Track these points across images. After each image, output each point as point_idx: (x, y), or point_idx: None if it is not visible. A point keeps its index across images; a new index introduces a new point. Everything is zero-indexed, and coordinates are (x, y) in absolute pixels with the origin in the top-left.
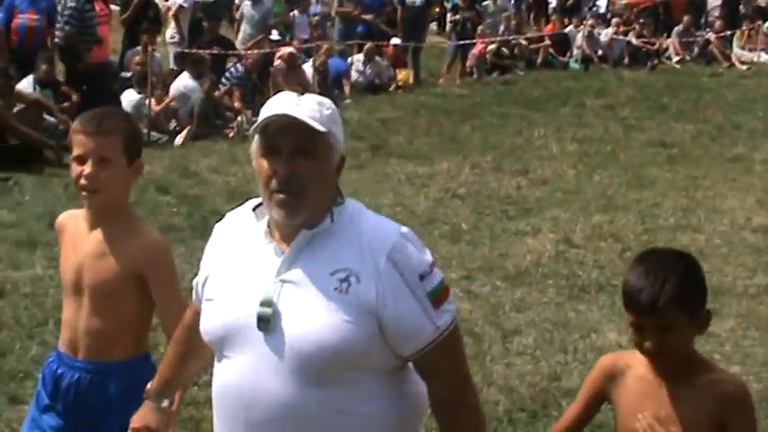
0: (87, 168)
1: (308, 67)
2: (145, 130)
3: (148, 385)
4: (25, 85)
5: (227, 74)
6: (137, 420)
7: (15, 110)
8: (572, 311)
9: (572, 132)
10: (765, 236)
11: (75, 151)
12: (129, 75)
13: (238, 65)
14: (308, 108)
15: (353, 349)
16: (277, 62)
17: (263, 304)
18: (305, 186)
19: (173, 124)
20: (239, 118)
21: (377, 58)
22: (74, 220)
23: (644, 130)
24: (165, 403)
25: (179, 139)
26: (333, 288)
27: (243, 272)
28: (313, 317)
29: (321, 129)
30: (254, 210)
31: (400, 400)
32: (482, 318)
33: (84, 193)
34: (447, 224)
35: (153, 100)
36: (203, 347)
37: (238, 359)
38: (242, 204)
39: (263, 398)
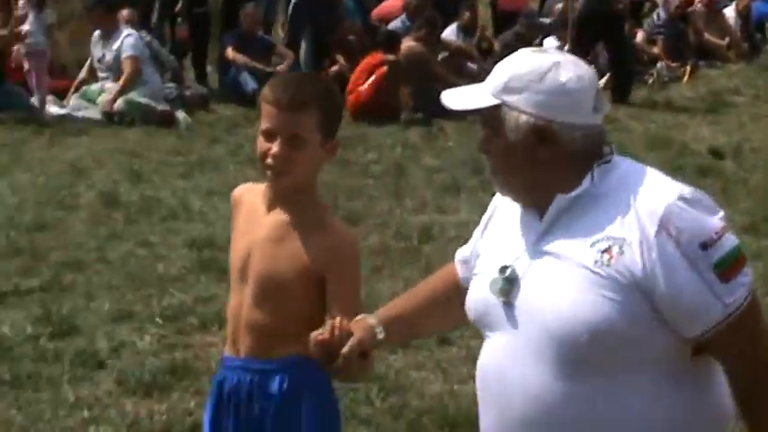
0: (276, 147)
1: (729, 11)
2: None
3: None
4: (449, 33)
5: (650, 21)
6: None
7: (440, 58)
8: None
9: None
10: None
11: (264, 124)
12: (548, 21)
13: (660, 10)
14: (488, 82)
15: (618, 331)
16: (697, 6)
17: (500, 272)
18: (493, 166)
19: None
20: (658, 65)
21: None
22: (251, 196)
23: None
24: (380, 332)
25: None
26: (593, 260)
27: (501, 242)
28: (567, 292)
29: (486, 102)
30: None
31: (689, 402)
32: None
33: (269, 174)
34: None
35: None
36: (454, 311)
37: (491, 340)
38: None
39: (514, 383)
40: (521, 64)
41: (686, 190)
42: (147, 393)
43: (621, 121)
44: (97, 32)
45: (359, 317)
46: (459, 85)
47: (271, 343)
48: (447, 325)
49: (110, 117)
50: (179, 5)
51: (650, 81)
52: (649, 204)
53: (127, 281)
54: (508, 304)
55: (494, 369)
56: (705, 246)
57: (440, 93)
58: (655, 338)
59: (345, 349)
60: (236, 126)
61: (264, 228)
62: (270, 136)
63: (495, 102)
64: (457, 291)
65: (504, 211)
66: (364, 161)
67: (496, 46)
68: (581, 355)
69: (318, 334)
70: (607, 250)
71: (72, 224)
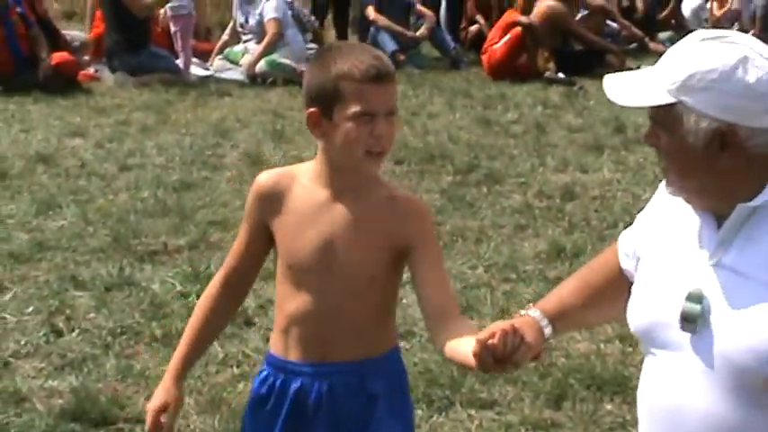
0: (381, 125)
1: None
2: None
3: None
4: None
5: None
6: None
7: (579, 16)
8: None
9: None
10: None
11: (356, 107)
12: None
13: None
14: (656, 73)
15: None
16: None
17: (689, 298)
18: (666, 167)
19: (735, 28)
20: None
21: None
22: (288, 181)
23: None
24: (548, 328)
25: None
26: None
27: (672, 250)
28: (753, 316)
29: (662, 100)
30: None
31: None
32: None
33: (372, 158)
34: None
35: (715, 4)
36: (622, 302)
37: (662, 361)
38: None
39: (692, 417)
40: (703, 59)
41: None
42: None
43: None
44: None
45: (522, 313)
46: (599, 45)
47: (368, 341)
48: (616, 316)
49: (253, 78)
50: None
51: None
52: None
53: None
54: (690, 330)
55: (667, 396)
56: None
57: (580, 52)
58: None
59: (518, 355)
60: None
61: (340, 215)
62: (367, 117)
63: (672, 100)
64: (622, 282)
65: (672, 209)
66: (505, 120)
67: (639, 4)
68: (766, 383)
69: (487, 338)
70: None
71: (217, 184)
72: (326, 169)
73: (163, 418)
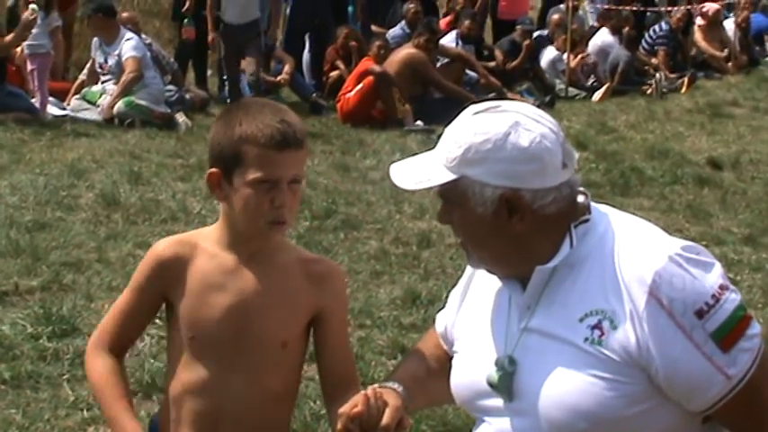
0: (283, 195)
1: (728, 24)
2: (562, 86)
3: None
4: (448, 40)
5: (651, 31)
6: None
7: (439, 64)
8: None
9: None
10: None
11: (256, 173)
12: (546, 32)
13: (663, 23)
14: (435, 154)
15: (617, 414)
16: (697, 19)
17: (495, 365)
18: (461, 238)
19: (591, 80)
20: (657, 75)
21: None
22: (194, 249)
23: None
24: (406, 396)
25: (597, 95)
26: (583, 338)
27: (484, 319)
28: (560, 376)
29: (437, 182)
30: None
31: None
32: None
33: (274, 228)
34: None
35: (572, 55)
36: (443, 382)
37: (491, 427)
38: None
39: None
40: (477, 131)
41: (676, 247)
42: (146, 395)
43: (620, 131)
44: (96, 38)
45: (382, 384)
46: (458, 93)
47: (281, 416)
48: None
49: (110, 119)
50: (186, 6)
51: (649, 91)
52: (636, 270)
53: (126, 281)
54: (507, 392)
55: None
56: (701, 314)
57: (439, 99)
58: (659, 416)
59: (386, 420)
60: None
61: (251, 281)
62: (269, 185)
63: (454, 176)
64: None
65: (481, 281)
66: (363, 167)
67: (496, 53)
68: None
69: (351, 408)
70: (597, 326)
71: (72, 224)
72: (230, 234)
73: None
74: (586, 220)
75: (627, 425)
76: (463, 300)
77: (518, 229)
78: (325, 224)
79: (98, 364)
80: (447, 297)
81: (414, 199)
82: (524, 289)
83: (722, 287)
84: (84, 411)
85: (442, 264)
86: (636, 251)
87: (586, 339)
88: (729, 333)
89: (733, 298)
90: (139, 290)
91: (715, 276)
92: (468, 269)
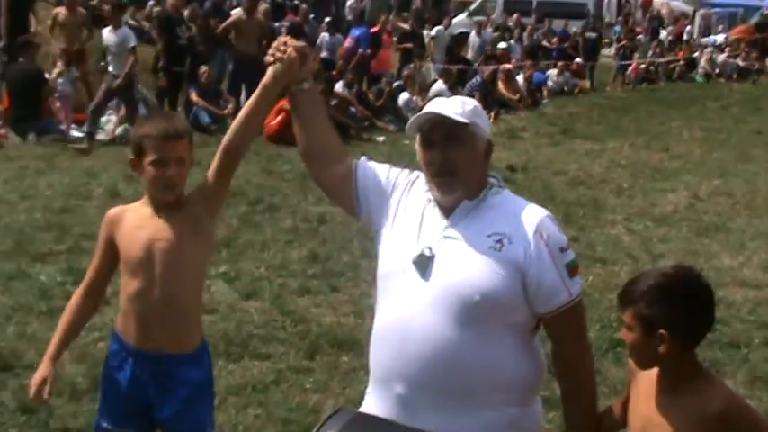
0: (172, 169)
1: (520, 78)
2: None
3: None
4: (338, 87)
5: (469, 84)
6: None
7: (332, 103)
8: (699, 244)
9: (698, 124)
10: None
11: (154, 156)
12: (401, 82)
13: (477, 77)
14: (453, 106)
15: (501, 299)
16: (500, 75)
17: (424, 248)
18: (456, 169)
19: None
20: None
21: (566, 72)
22: (126, 211)
23: (747, 123)
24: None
25: None
26: (488, 246)
27: (414, 223)
28: (471, 266)
29: (464, 121)
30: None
31: (528, 360)
32: (637, 246)
33: (167, 191)
34: (614, 184)
35: (419, 98)
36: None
37: (397, 296)
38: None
39: (416, 328)
40: (471, 101)
41: (548, 212)
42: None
43: None
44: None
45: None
46: (344, 122)
47: (184, 332)
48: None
49: (113, 139)
50: (161, 64)
51: None
52: (528, 216)
53: None
54: (424, 274)
55: (400, 317)
56: (562, 249)
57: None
58: (519, 310)
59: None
60: (196, 147)
61: (161, 224)
62: (163, 162)
63: (468, 122)
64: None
65: (415, 200)
66: (281, 170)
67: (369, 95)
68: (471, 310)
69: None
70: (499, 241)
71: (87, 209)
72: (148, 197)
73: (44, 389)
74: (500, 187)
75: (501, 308)
76: (398, 207)
77: (483, 169)
78: (256, 208)
79: (69, 304)
80: (337, 257)
81: (317, 191)
82: (451, 214)
83: (568, 243)
84: (96, 332)
85: (333, 234)
86: (528, 206)
87: (490, 247)
88: (573, 268)
89: (573, 252)
90: (99, 244)
91: (565, 237)
92: (404, 179)
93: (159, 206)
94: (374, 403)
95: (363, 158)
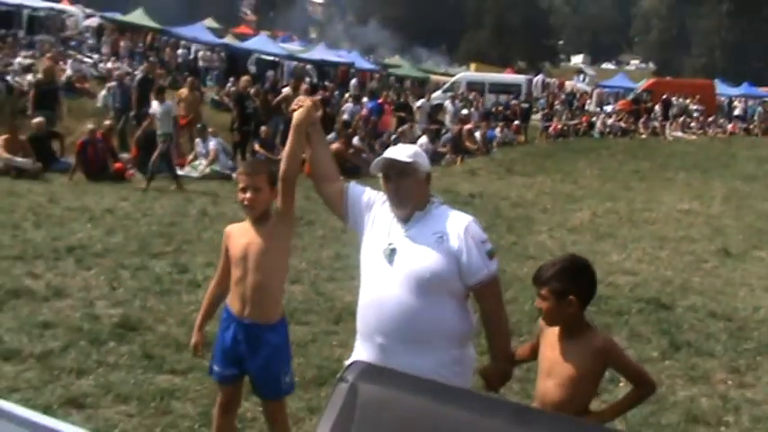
0: (246, 194)
1: (477, 133)
2: None
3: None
4: (355, 140)
5: (443, 138)
6: None
7: (350, 151)
8: (597, 246)
9: (596, 165)
10: (684, 213)
11: (239, 184)
12: (395, 137)
13: (449, 133)
14: (400, 151)
15: (443, 275)
16: (465, 131)
17: (390, 244)
18: (406, 194)
19: None
20: (447, 157)
21: (507, 129)
22: (235, 227)
23: (628, 164)
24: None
25: None
26: (434, 241)
27: (384, 229)
28: (423, 255)
29: (408, 160)
30: None
31: (463, 317)
32: (556, 248)
33: (246, 209)
34: (541, 205)
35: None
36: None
37: (374, 279)
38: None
39: (390, 299)
40: (413, 147)
41: (473, 218)
42: None
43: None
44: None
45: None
46: (359, 164)
47: (271, 307)
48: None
49: (204, 176)
50: (235, 125)
51: (443, 163)
52: (459, 220)
53: (212, 252)
54: (390, 261)
55: (377, 291)
56: (483, 242)
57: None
58: (456, 283)
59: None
60: None
61: (254, 232)
62: (242, 188)
63: (412, 161)
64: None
65: (381, 215)
66: (315, 197)
67: (376, 146)
68: (426, 285)
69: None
70: (441, 237)
71: (185, 224)
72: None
73: (199, 348)
74: (440, 203)
75: (444, 282)
76: (374, 218)
77: (426, 191)
78: (299, 223)
79: (208, 290)
80: (355, 256)
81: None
82: (407, 221)
83: (487, 238)
84: (195, 305)
85: (351, 240)
86: (458, 214)
87: (435, 242)
88: (491, 254)
89: (490, 245)
90: (222, 251)
91: (485, 234)
92: (377, 200)
93: (252, 221)
94: (362, 350)
95: (353, 183)
